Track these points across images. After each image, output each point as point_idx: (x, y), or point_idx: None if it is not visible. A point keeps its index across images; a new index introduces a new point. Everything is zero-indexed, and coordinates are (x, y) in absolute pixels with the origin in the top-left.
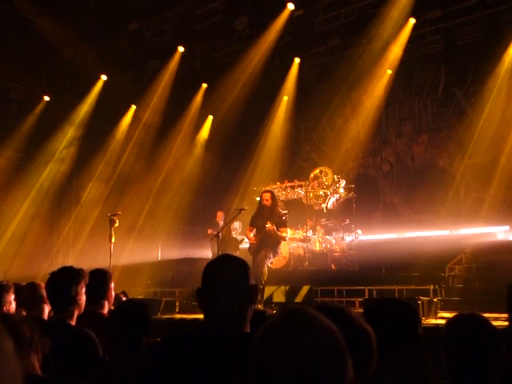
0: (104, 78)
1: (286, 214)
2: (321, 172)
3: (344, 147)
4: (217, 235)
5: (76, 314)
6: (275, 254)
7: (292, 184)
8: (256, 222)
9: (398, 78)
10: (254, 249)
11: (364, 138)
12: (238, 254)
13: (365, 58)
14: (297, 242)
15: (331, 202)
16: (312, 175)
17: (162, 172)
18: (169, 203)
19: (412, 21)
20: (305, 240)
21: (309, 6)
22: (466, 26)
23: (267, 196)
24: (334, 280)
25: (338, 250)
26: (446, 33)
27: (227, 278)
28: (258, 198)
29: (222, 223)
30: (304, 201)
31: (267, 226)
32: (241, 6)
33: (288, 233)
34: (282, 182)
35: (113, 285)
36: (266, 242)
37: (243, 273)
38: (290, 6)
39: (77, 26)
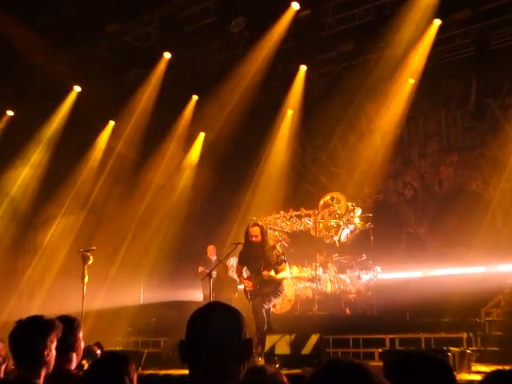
0: (78, 89)
1: (282, 255)
2: (332, 199)
3: (359, 169)
4: (209, 274)
5: (44, 372)
6: (277, 295)
7: (298, 213)
8: (247, 262)
9: (422, 88)
10: (252, 294)
11: (382, 159)
12: (236, 296)
13: (382, 65)
14: (304, 282)
15: (345, 233)
16: (322, 202)
17: (145, 199)
18: (152, 236)
19: (437, 22)
20: (314, 279)
21: (317, 6)
22: (499, 28)
23: (255, 231)
24: (348, 327)
25: (353, 291)
26: (476, 36)
27: (215, 331)
28: (245, 231)
29: (214, 259)
30: (312, 233)
31: (264, 273)
32: (237, 6)
33: (287, 270)
34: (287, 211)
35: (81, 334)
36: (265, 284)
37: (234, 325)
38: (295, 6)
39: (46, 28)
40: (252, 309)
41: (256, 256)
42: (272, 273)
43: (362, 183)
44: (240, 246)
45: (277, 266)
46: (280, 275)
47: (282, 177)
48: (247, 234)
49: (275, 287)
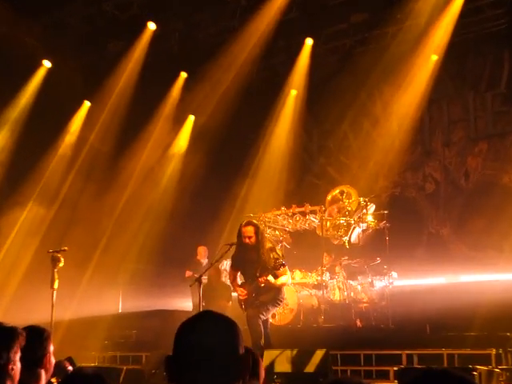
0: (47, 64)
1: (281, 258)
2: (341, 193)
3: (373, 159)
4: (199, 279)
5: None
6: (276, 303)
7: (302, 209)
8: (241, 267)
9: (447, 66)
10: (246, 303)
11: (400, 147)
12: (230, 304)
13: (401, 39)
14: (308, 289)
15: (356, 233)
16: (329, 197)
17: (124, 193)
18: (133, 235)
19: None
20: (319, 286)
21: None
22: None
23: (249, 231)
24: (359, 342)
25: (364, 299)
26: (510, 5)
27: (207, 345)
28: (238, 231)
29: (205, 262)
30: (319, 232)
31: (260, 280)
32: None
33: (288, 275)
34: (289, 207)
35: (52, 348)
36: (262, 292)
37: (230, 338)
38: None
39: None
40: (247, 320)
41: (251, 260)
42: (270, 278)
43: (376, 175)
44: (234, 248)
45: (274, 270)
46: (280, 280)
47: (283, 168)
48: (240, 235)
49: (274, 295)
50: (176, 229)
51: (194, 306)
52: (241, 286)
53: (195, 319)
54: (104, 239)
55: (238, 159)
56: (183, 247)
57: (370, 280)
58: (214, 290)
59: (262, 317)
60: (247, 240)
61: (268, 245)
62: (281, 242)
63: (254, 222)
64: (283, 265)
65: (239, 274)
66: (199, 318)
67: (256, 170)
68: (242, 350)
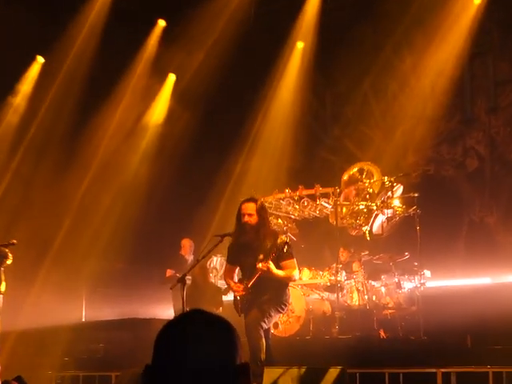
0: None
1: (287, 241)
2: (361, 172)
3: (400, 130)
4: (182, 280)
5: None
6: (279, 307)
7: (311, 192)
8: (238, 258)
9: (492, 10)
10: (243, 304)
11: (434, 114)
12: (220, 311)
13: None
14: (319, 292)
15: (379, 222)
16: (346, 177)
17: (89, 172)
18: (100, 225)
19: None
20: (333, 288)
21: None
22: None
23: (250, 208)
24: (383, 357)
25: (390, 304)
26: None
27: (197, 354)
28: (237, 211)
29: (190, 259)
30: (332, 220)
31: (258, 265)
32: None
33: (296, 270)
34: (295, 189)
35: None
36: (262, 290)
37: (225, 344)
38: None
39: None
40: (245, 328)
41: (251, 247)
42: (272, 266)
43: (404, 149)
44: (228, 241)
45: (281, 259)
46: (286, 273)
47: (288, 140)
48: (239, 215)
49: (277, 294)
50: (154, 217)
51: (175, 312)
52: (238, 282)
53: (181, 322)
54: (63, 230)
55: (231, 130)
56: (163, 240)
57: (396, 280)
58: (201, 292)
59: (263, 325)
60: (246, 218)
61: (271, 228)
62: (285, 232)
63: (257, 198)
64: (291, 255)
65: (237, 270)
66: (186, 320)
67: (254, 144)
68: (240, 360)
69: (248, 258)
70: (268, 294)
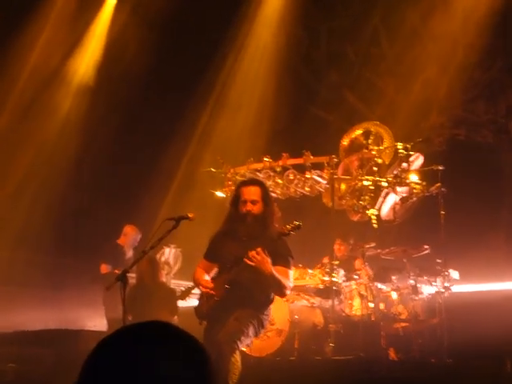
0: None
1: (288, 232)
2: (367, 135)
3: (421, 78)
4: (123, 277)
5: None
6: (260, 323)
7: (299, 161)
8: (222, 253)
9: None
10: (212, 310)
11: (467, 59)
12: (175, 319)
13: None
14: (308, 298)
15: (390, 203)
16: (346, 142)
17: None
18: (10, 205)
19: None
20: (327, 293)
21: None
22: None
23: (254, 193)
24: None
25: (403, 315)
26: None
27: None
28: (232, 196)
29: (131, 253)
30: (326, 201)
31: (252, 253)
32: None
33: (292, 276)
34: (277, 158)
35: None
36: (243, 293)
37: (195, 371)
38: None
39: None
40: (210, 343)
41: (244, 239)
42: (268, 260)
43: (425, 106)
44: (187, 228)
45: (280, 261)
46: (280, 277)
47: (268, 91)
48: (237, 201)
49: (261, 304)
50: (84, 194)
51: (109, 322)
52: (210, 280)
53: (125, 339)
54: None
55: (192, 74)
56: (96, 225)
57: (412, 283)
58: (149, 295)
59: (239, 343)
60: (249, 207)
61: (277, 223)
62: None
63: (258, 179)
64: (288, 263)
65: (215, 270)
66: (134, 335)
67: (222, 95)
68: None
69: (236, 251)
70: (250, 300)
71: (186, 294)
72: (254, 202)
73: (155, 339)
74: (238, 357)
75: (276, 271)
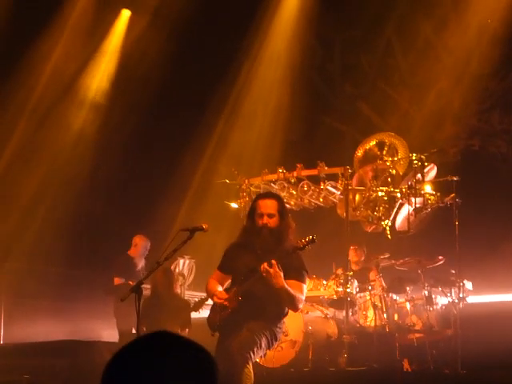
0: None
1: (303, 246)
2: (381, 146)
3: (435, 89)
4: (137, 289)
5: None
6: (273, 336)
7: (313, 172)
8: (236, 264)
9: None
10: (225, 321)
11: (482, 68)
12: (186, 333)
13: None
14: (323, 309)
15: (404, 214)
16: (361, 153)
17: (10, 142)
18: (22, 215)
19: None
20: (341, 304)
21: None
22: None
23: (270, 206)
24: None
25: (417, 326)
26: None
27: None
28: (249, 208)
29: (142, 264)
30: (341, 212)
31: (264, 266)
32: None
33: (303, 296)
34: (291, 169)
35: None
36: (254, 307)
37: (198, 377)
38: None
39: None
40: (223, 354)
41: (258, 251)
42: (280, 272)
43: (439, 117)
44: (204, 238)
45: (293, 275)
46: (292, 291)
47: (282, 102)
48: (254, 214)
49: (274, 317)
50: (97, 207)
51: (120, 334)
52: (223, 290)
53: (143, 350)
54: None
55: (207, 86)
56: (109, 236)
57: (426, 294)
58: (162, 307)
59: (252, 354)
60: (265, 220)
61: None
62: None
63: (275, 193)
64: (303, 277)
65: (228, 281)
66: (151, 348)
67: (236, 107)
68: None
69: (250, 263)
70: (263, 313)
71: (199, 305)
72: (270, 216)
73: (166, 350)
74: (250, 368)
75: (289, 285)
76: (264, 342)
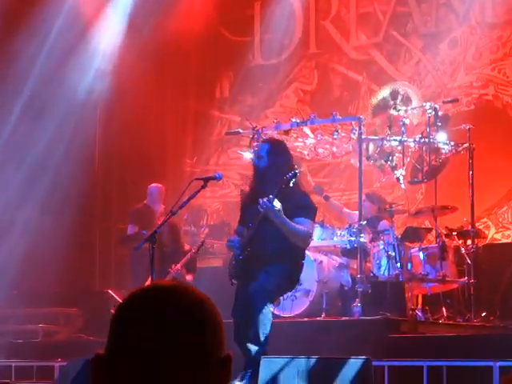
0: None
1: (289, 178)
2: (394, 95)
3: (448, 37)
4: (152, 238)
5: None
6: (291, 276)
7: (326, 122)
8: (245, 214)
9: None
10: (239, 268)
11: (496, 15)
12: (190, 279)
13: None
14: (336, 258)
15: (417, 164)
16: (374, 102)
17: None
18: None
19: None
20: (354, 253)
21: None
22: None
23: (261, 149)
24: (420, 345)
25: (430, 275)
26: None
27: (169, 343)
28: (249, 156)
29: (160, 208)
30: (353, 161)
31: (260, 200)
32: None
33: (310, 226)
34: (304, 119)
35: None
36: (263, 250)
37: (208, 332)
38: None
39: None
40: (242, 298)
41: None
42: (277, 204)
43: (452, 66)
44: (218, 188)
45: (299, 212)
46: (305, 225)
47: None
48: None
49: (283, 253)
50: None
51: (136, 281)
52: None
53: (151, 297)
54: None
55: None
56: (125, 186)
57: (440, 242)
58: (167, 257)
59: (270, 296)
60: (256, 163)
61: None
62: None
63: (274, 137)
64: (311, 209)
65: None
66: (158, 295)
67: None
68: (224, 351)
69: (255, 207)
70: (275, 254)
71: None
72: (259, 158)
73: (175, 300)
74: (269, 309)
75: (296, 222)
76: (282, 283)
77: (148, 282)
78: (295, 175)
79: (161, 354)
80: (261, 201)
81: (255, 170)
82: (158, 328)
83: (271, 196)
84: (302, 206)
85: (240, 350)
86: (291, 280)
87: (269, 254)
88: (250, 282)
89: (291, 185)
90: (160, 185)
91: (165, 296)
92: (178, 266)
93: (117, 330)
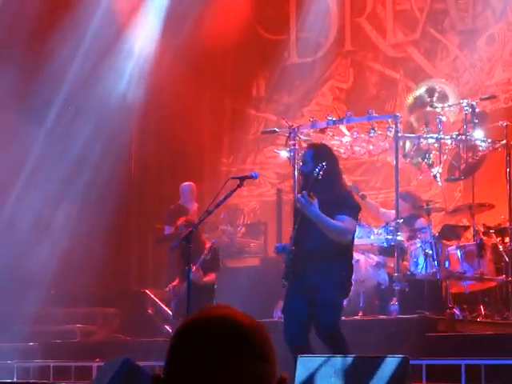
0: None
1: (317, 173)
2: (431, 92)
3: (485, 34)
4: (187, 238)
5: None
6: (345, 281)
7: (362, 120)
8: (294, 216)
9: None
10: (288, 267)
11: None
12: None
13: None
14: (373, 256)
15: (454, 161)
16: (411, 100)
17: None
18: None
19: None
20: (391, 251)
21: None
22: None
23: (305, 155)
24: (458, 344)
25: (468, 273)
26: None
27: (227, 372)
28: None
29: (194, 206)
30: (390, 159)
31: (296, 196)
32: None
33: (350, 223)
34: (341, 118)
35: None
36: (306, 249)
37: (262, 357)
38: None
39: None
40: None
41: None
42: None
43: (490, 63)
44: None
45: (342, 210)
46: (344, 222)
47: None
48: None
49: (326, 250)
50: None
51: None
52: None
53: (208, 327)
54: None
55: None
56: (161, 187)
57: (477, 240)
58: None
59: (339, 323)
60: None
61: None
62: None
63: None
64: (353, 207)
65: None
66: (215, 324)
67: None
68: (276, 375)
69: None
70: (316, 251)
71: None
72: (304, 163)
73: (232, 329)
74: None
75: (338, 219)
76: (340, 289)
77: (175, 283)
78: (322, 168)
79: (224, 378)
80: (297, 197)
81: (302, 176)
82: (222, 354)
83: (304, 192)
84: (344, 203)
85: None
86: (347, 281)
87: (317, 252)
88: (303, 283)
89: (319, 177)
90: (191, 183)
91: (226, 322)
92: (193, 268)
93: (177, 355)
